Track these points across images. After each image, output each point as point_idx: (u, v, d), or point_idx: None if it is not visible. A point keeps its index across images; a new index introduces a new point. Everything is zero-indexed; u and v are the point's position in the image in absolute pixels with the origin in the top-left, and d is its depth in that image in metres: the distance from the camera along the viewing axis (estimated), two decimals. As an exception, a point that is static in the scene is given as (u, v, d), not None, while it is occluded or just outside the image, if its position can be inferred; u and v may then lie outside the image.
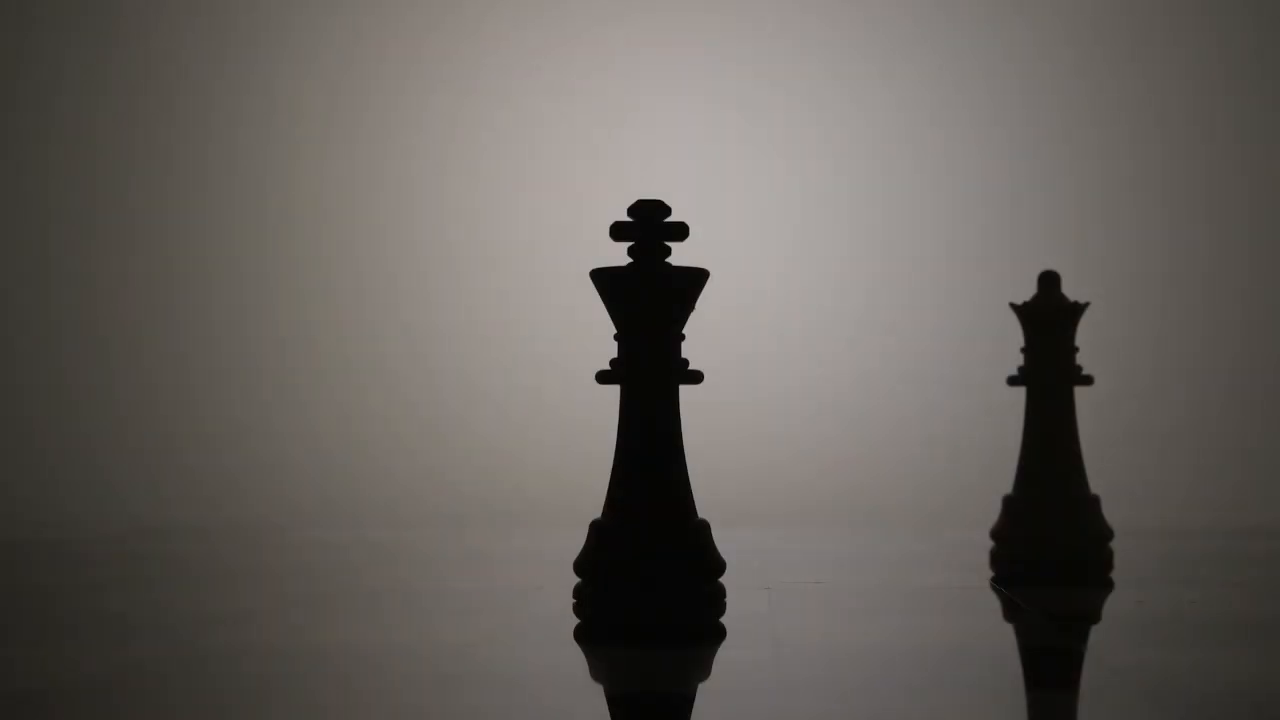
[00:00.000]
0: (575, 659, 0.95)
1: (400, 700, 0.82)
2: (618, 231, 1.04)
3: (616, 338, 1.05)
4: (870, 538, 1.71)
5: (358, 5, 2.39)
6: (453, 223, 2.40)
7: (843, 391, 2.33)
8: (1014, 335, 1.42)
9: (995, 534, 1.41)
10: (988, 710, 0.80)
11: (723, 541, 1.07)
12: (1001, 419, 1.91)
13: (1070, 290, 1.40)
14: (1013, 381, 1.40)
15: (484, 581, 1.30)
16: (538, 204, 2.39)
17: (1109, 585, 1.28)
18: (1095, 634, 1.04)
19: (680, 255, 1.06)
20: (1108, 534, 1.38)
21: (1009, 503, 1.40)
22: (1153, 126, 2.26)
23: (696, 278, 1.04)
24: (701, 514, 1.05)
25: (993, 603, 1.18)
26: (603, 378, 1.05)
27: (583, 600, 1.04)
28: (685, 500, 1.04)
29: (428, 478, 2.36)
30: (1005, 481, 1.41)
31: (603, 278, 1.04)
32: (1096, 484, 1.40)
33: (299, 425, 2.39)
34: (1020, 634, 1.04)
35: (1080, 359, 1.39)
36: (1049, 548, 1.37)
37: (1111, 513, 1.41)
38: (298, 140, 2.40)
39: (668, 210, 1.05)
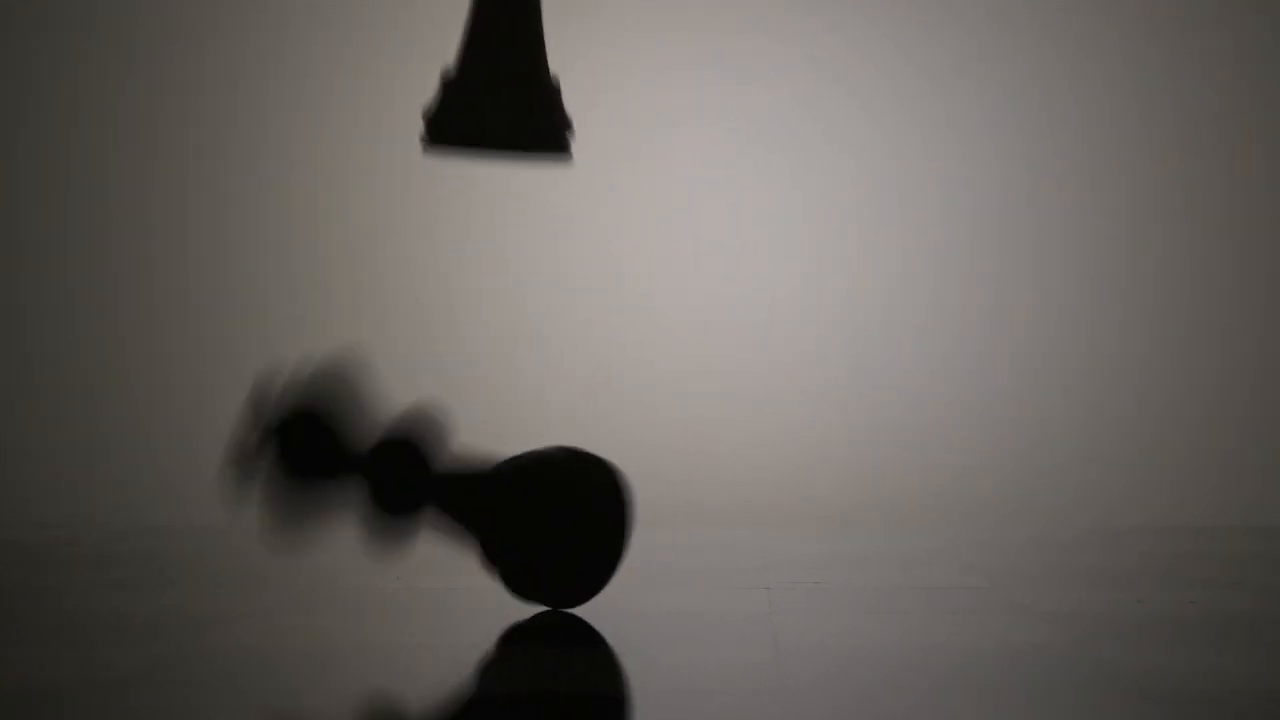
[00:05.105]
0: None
1: (401, 701, 0.82)
2: None
3: None
4: (870, 537, 1.71)
5: None
6: (452, 222, 2.40)
7: (842, 391, 2.33)
8: (1012, 335, 1.41)
9: (426, 114, 1.11)
10: (987, 710, 0.80)
11: (723, 541, 1.07)
12: (1000, 419, 1.92)
13: (1071, 289, 1.39)
14: None
15: (485, 581, 1.30)
16: (537, 203, 2.39)
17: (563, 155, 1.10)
18: (1095, 634, 1.04)
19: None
20: (565, 123, 1.15)
21: (447, 86, 1.11)
22: (1167, 126, 2.26)
23: None
24: (701, 514, 1.05)
25: (993, 602, 1.18)
26: None
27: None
28: None
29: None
30: (1006, 482, 1.41)
31: None
32: (1097, 482, 1.39)
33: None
34: (1019, 634, 1.04)
35: (1077, 357, 1.37)
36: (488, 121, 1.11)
37: (1110, 512, 1.40)
38: (308, 139, 2.40)
39: None
